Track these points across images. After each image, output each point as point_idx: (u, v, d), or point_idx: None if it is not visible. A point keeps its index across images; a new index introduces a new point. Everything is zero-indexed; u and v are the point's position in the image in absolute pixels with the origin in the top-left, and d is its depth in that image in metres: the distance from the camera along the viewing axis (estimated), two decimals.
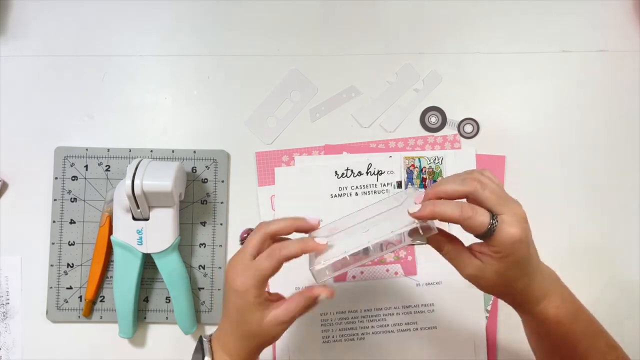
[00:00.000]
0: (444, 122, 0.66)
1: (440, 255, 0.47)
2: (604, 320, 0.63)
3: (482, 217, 0.41)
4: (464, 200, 0.44)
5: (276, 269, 0.46)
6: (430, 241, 0.46)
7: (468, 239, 0.45)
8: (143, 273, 0.62)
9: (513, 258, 0.42)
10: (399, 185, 0.64)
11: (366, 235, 0.46)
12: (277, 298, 0.49)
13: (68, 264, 0.64)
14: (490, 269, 0.43)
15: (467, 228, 0.42)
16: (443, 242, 0.45)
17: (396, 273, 0.64)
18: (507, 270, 0.43)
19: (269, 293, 0.49)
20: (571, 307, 0.47)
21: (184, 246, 0.64)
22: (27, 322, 0.64)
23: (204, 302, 0.64)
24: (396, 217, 0.46)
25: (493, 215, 0.42)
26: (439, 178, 0.64)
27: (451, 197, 0.43)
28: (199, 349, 0.49)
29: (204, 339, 0.49)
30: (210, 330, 0.64)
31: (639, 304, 0.64)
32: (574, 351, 0.47)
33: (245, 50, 0.66)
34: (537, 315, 0.46)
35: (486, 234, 0.42)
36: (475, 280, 0.45)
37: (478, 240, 0.44)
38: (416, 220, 0.44)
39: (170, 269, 0.60)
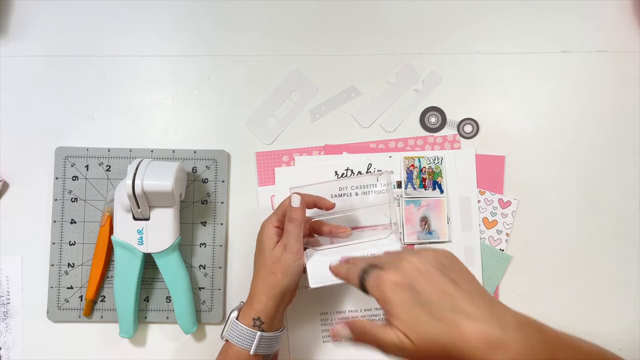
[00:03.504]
0: (443, 122, 0.66)
1: None
2: (602, 318, 0.64)
3: (354, 270, 0.45)
4: None
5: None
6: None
7: None
8: (143, 273, 0.62)
9: (398, 307, 0.40)
10: (399, 185, 0.64)
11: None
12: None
13: (69, 264, 0.64)
14: (398, 331, 0.40)
15: (350, 283, 0.46)
16: (356, 328, 0.44)
17: None
18: (403, 315, 0.40)
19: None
20: (545, 354, 0.39)
21: (185, 246, 0.64)
22: (27, 322, 0.64)
23: (204, 301, 0.64)
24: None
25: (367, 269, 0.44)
26: (439, 178, 0.64)
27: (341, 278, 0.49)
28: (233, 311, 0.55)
29: (241, 303, 0.56)
30: (210, 329, 0.64)
31: (638, 302, 0.64)
32: None
33: (245, 50, 0.66)
34: None
35: (363, 285, 0.44)
36: (400, 352, 0.41)
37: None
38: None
39: (170, 268, 0.61)
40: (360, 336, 0.43)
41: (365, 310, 0.64)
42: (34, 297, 0.64)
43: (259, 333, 0.52)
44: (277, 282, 0.53)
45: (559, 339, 0.40)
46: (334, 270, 0.50)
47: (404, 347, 0.40)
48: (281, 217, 0.55)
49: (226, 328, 0.54)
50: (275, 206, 0.64)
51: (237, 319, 0.54)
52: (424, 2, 0.67)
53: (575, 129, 0.66)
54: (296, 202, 0.54)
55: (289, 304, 0.57)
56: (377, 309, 0.64)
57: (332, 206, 0.56)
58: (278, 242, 0.54)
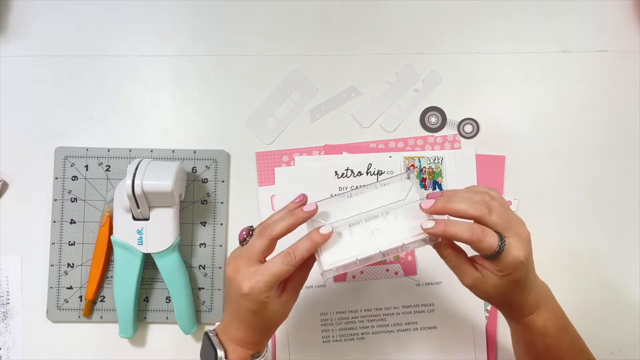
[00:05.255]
0: (443, 122, 0.66)
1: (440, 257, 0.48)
2: (603, 320, 0.64)
3: (491, 240, 0.43)
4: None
5: (291, 271, 0.46)
6: (435, 247, 0.48)
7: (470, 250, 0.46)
8: (143, 273, 0.62)
9: (513, 277, 0.44)
10: None
11: (376, 240, 0.47)
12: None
13: (68, 264, 0.64)
14: (489, 283, 0.45)
15: (477, 249, 0.44)
16: (446, 250, 0.47)
17: (396, 273, 0.64)
18: (505, 287, 0.45)
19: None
20: (560, 322, 0.49)
21: (184, 246, 0.64)
22: (27, 322, 0.64)
23: (204, 302, 0.64)
24: (404, 220, 0.47)
25: (501, 237, 0.43)
26: (439, 178, 0.64)
27: (459, 217, 0.45)
28: (209, 345, 0.48)
29: (210, 335, 0.49)
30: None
31: (638, 303, 0.64)
32: None
33: (245, 50, 0.66)
34: (525, 325, 0.48)
35: (494, 256, 0.44)
36: (473, 289, 0.47)
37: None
38: (426, 234, 0.46)
39: (170, 269, 0.61)
40: (448, 257, 0.47)
41: (365, 310, 0.64)
42: (33, 297, 0.64)
43: None
44: (269, 328, 0.49)
45: None
46: (452, 230, 0.44)
47: (482, 284, 0.46)
48: (261, 257, 0.47)
49: None
50: (275, 207, 0.64)
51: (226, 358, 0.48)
52: (424, 2, 0.67)
53: (575, 129, 0.66)
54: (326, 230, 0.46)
55: None
56: (377, 309, 0.64)
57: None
58: (270, 294, 0.45)
